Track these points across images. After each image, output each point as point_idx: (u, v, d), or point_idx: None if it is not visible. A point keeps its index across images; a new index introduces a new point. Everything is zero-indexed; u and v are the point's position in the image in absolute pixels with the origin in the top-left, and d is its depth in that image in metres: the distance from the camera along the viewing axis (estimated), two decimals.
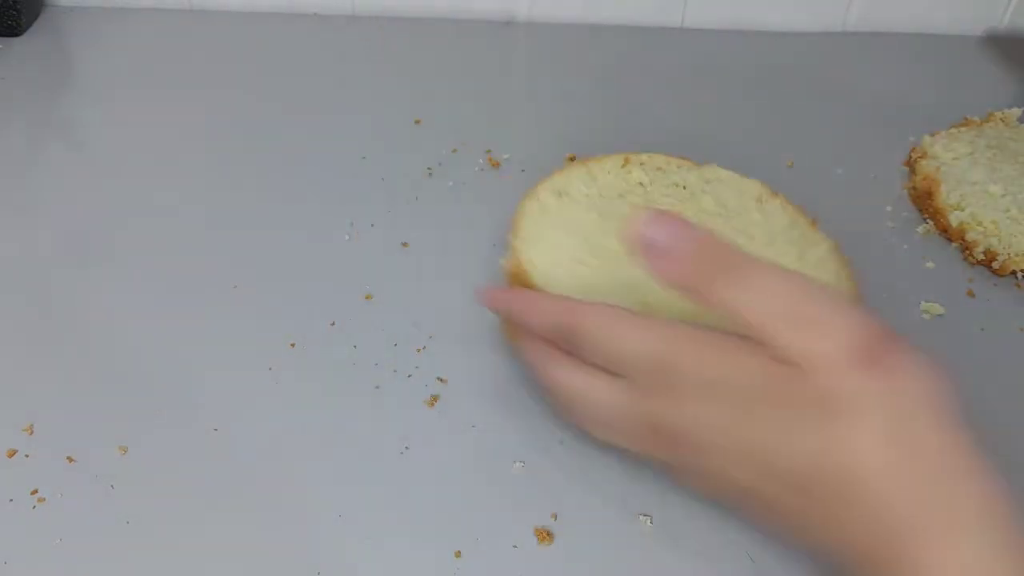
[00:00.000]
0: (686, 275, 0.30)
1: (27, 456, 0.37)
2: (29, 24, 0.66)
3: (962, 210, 0.50)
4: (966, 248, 0.50)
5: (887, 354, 0.26)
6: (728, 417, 0.28)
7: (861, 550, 0.26)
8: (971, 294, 0.48)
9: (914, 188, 0.54)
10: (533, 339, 0.35)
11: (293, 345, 0.43)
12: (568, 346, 0.33)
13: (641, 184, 0.47)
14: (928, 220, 0.52)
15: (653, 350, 0.30)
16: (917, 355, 0.27)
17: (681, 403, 0.29)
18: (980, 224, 0.49)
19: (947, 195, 0.51)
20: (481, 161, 0.54)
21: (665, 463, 0.32)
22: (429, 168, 0.54)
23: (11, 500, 0.36)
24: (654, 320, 0.31)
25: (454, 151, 0.55)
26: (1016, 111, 0.58)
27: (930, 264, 0.49)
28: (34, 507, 0.35)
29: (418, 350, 0.43)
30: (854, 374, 0.26)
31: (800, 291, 0.28)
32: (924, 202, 0.53)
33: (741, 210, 0.45)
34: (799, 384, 0.26)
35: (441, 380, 0.41)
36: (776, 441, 0.27)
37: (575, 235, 0.42)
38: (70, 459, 0.37)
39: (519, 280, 0.40)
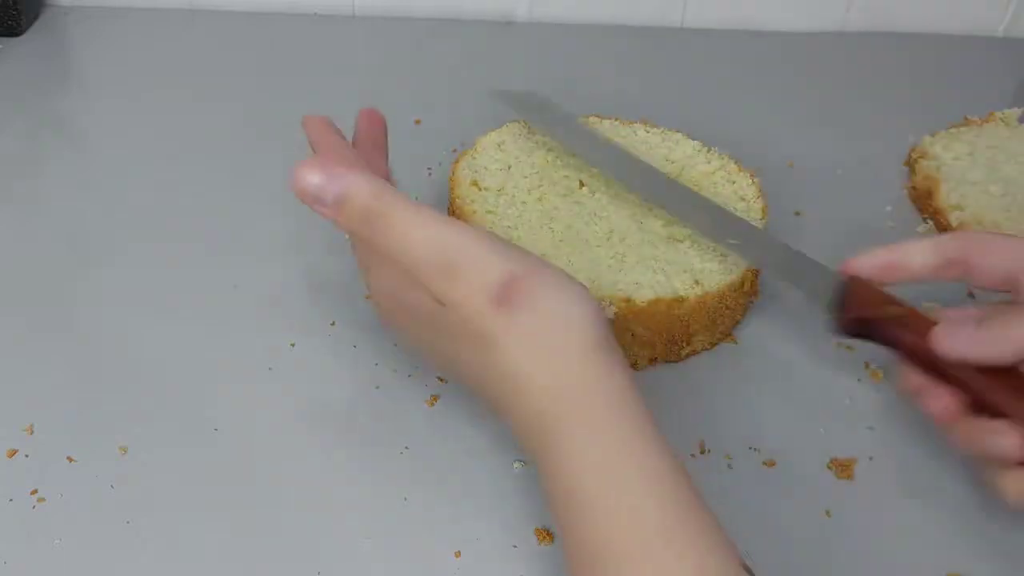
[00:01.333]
0: (342, 223, 0.33)
1: (27, 456, 0.37)
2: (29, 24, 0.66)
3: (962, 210, 0.50)
4: None
5: (516, 294, 0.30)
6: (427, 338, 0.34)
7: (529, 438, 0.31)
8: (971, 294, 0.48)
9: (914, 188, 0.54)
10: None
11: (293, 345, 0.43)
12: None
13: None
14: (928, 220, 0.52)
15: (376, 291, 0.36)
16: (550, 289, 0.31)
17: (401, 324, 0.36)
18: (980, 224, 0.49)
19: (947, 195, 0.51)
20: None
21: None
22: (429, 168, 0.54)
23: (11, 500, 0.36)
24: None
25: (454, 151, 0.55)
26: (1016, 111, 0.58)
27: None
28: (34, 507, 0.35)
29: None
30: (492, 314, 0.31)
31: (440, 240, 0.31)
32: (924, 202, 0.53)
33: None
34: (456, 320, 0.31)
35: (441, 380, 0.41)
36: (456, 359, 0.33)
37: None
38: (70, 459, 0.37)
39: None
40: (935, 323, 0.35)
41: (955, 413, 0.35)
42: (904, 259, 0.38)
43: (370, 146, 0.40)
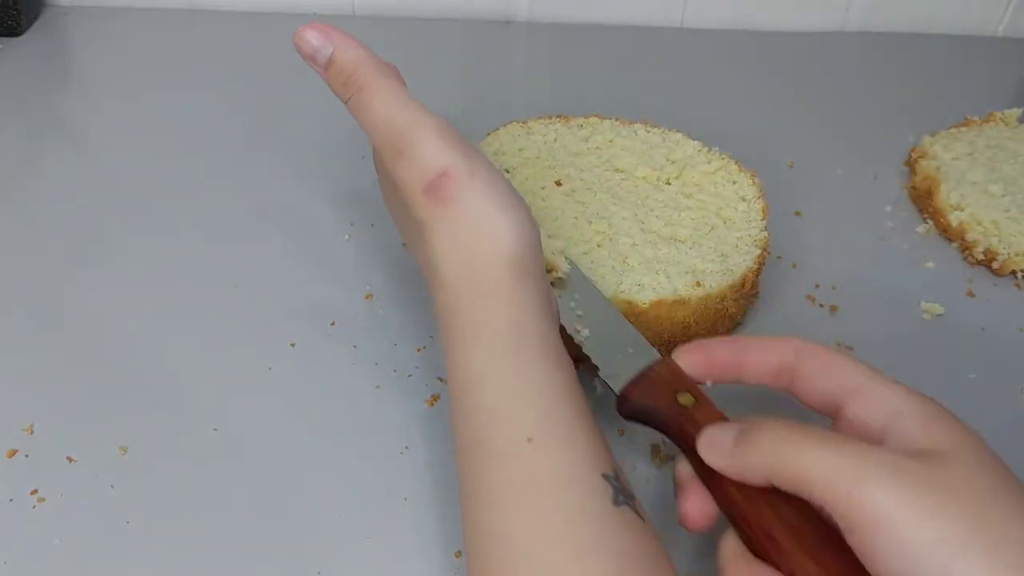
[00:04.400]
0: (328, 80, 0.36)
1: (27, 456, 0.37)
2: (29, 24, 0.66)
3: (962, 210, 0.50)
4: (966, 248, 0.50)
5: (446, 188, 0.33)
6: (392, 207, 0.39)
7: (439, 322, 0.33)
8: (971, 294, 0.48)
9: (914, 188, 0.54)
10: None
11: (293, 345, 0.43)
12: None
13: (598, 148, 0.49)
14: (928, 220, 0.52)
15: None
16: (480, 194, 0.33)
17: (382, 189, 0.40)
18: (980, 224, 0.49)
19: (947, 195, 0.51)
20: None
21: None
22: None
23: (11, 500, 0.36)
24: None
25: None
26: (1016, 111, 0.58)
27: (930, 264, 0.49)
28: (34, 507, 0.35)
29: (418, 350, 0.43)
30: (423, 201, 0.33)
31: (397, 124, 0.34)
32: (924, 202, 0.53)
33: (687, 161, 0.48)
34: (402, 198, 0.34)
35: (441, 380, 0.41)
36: (408, 232, 0.37)
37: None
38: (70, 459, 0.37)
39: None
40: (721, 420, 0.32)
41: (705, 521, 0.31)
42: (737, 359, 0.34)
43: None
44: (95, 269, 0.47)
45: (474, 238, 0.32)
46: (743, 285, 0.42)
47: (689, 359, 0.35)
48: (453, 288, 0.33)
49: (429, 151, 0.33)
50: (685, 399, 0.33)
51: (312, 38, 0.35)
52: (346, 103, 0.35)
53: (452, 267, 0.33)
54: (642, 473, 0.38)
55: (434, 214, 0.33)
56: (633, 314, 0.40)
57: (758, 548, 0.29)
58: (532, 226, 0.34)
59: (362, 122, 0.35)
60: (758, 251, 0.43)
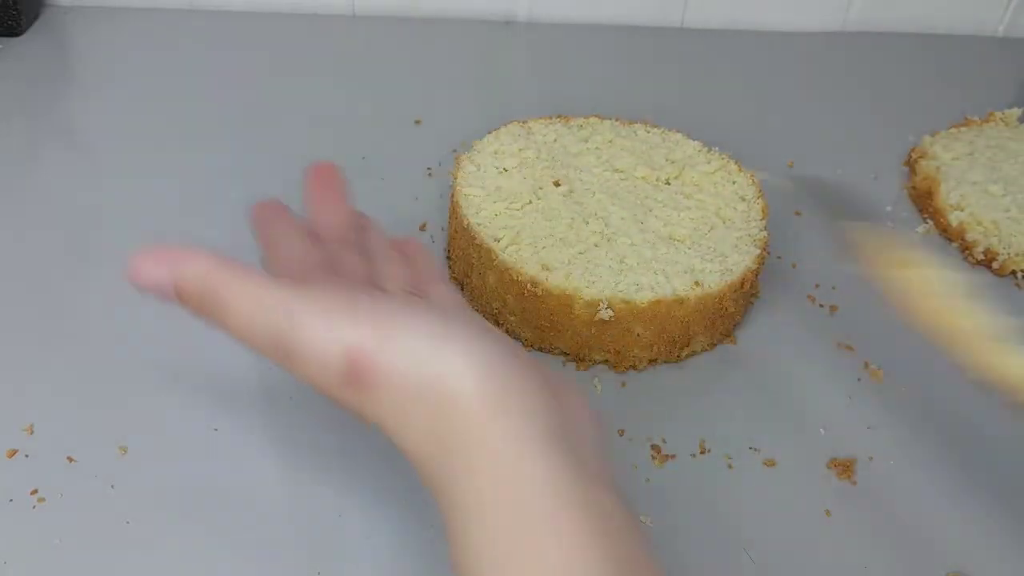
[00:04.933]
0: (189, 311, 0.30)
1: (27, 456, 0.37)
2: (29, 24, 0.66)
3: (962, 210, 0.50)
4: (966, 248, 0.50)
5: (365, 373, 0.27)
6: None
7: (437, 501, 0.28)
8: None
9: (914, 188, 0.54)
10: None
11: None
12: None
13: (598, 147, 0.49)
14: (928, 220, 0.52)
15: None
16: (402, 355, 0.27)
17: None
18: (980, 224, 0.49)
19: (947, 195, 0.51)
20: None
21: None
22: (429, 168, 0.54)
23: (11, 500, 0.36)
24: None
25: (454, 151, 0.55)
26: (1016, 111, 0.58)
27: None
28: (34, 507, 0.35)
29: None
30: (349, 395, 0.28)
31: (271, 323, 0.28)
32: (924, 202, 0.53)
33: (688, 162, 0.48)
34: (328, 398, 0.29)
35: None
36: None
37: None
38: (70, 459, 0.37)
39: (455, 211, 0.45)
40: None
41: None
42: None
43: (322, 193, 0.40)
44: (95, 268, 0.47)
45: (423, 398, 0.26)
46: (742, 285, 0.42)
47: None
48: (427, 465, 0.27)
49: (321, 341, 0.27)
50: None
51: (148, 271, 0.30)
52: (201, 315, 0.30)
53: (416, 443, 0.27)
54: (642, 473, 0.38)
55: (367, 402, 0.27)
56: (632, 313, 0.40)
57: None
58: (489, 335, 0.28)
59: (237, 340, 0.29)
60: (757, 251, 0.43)
